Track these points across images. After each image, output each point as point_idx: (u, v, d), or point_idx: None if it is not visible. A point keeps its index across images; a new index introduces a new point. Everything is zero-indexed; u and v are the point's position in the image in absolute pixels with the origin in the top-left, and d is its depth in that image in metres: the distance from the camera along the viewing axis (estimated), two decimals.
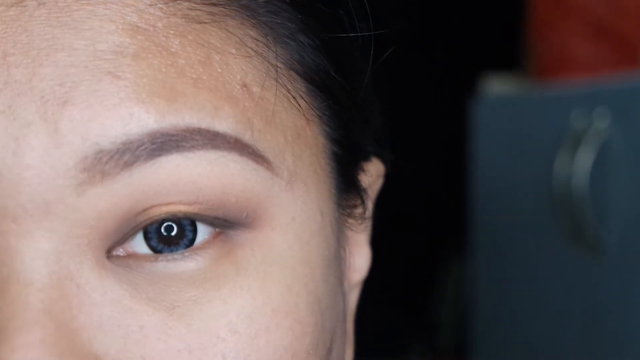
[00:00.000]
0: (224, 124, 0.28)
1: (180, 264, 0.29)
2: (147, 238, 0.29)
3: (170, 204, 0.28)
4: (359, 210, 0.36)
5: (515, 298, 1.47)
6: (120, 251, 0.29)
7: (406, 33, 2.43)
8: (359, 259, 0.37)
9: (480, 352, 1.59)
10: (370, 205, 0.37)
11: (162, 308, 0.28)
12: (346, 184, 0.35)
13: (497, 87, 1.64)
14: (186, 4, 0.29)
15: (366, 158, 0.37)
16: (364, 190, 0.37)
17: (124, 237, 0.29)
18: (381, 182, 0.39)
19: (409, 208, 2.48)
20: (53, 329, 0.26)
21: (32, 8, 0.27)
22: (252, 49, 0.30)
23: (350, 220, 0.36)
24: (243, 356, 0.29)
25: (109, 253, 0.28)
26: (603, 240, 1.22)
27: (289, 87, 0.31)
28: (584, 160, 1.23)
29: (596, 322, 1.25)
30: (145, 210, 0.28)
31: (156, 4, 0.28)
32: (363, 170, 0.37)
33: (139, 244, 0.29)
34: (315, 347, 0.30)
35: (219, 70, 0.29)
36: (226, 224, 0.29)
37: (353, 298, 0.38)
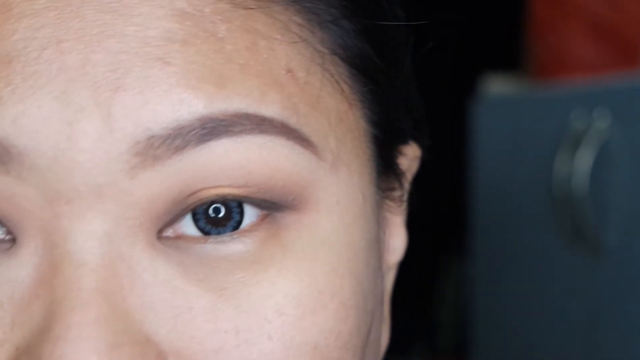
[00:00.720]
0: (270, 109, 0.29)
1: (229, 246, 0.29)
2: (195, 220, 0.29)
3: (219, 187, 0.29)
4: (397, 193, 0.37)
5: (515, 298, 1.47)
6: (169, 232, 0.29)
7: (406, 33, 2.40)
8: (396, 241, 0.38)
9: (480, 352, 1.59)
10: (407, 187, 0.38)
11: (211, 289, 0.29)
12: (385, 167, 0.35)
13: (497, 87, 1.64)
14: None
15: (405, 141, 0.37)
16: (402, 173, 0.37)
17: (174, 219, 0.29)
18: (417, 164, 0.39)
19: (409, 208, 2.48)
20: (106, 309, 0.27)
21: None
22: (296, 34, 0.30)
23: (389, 203, 0.36)
24: (289, 337, 0.29)
25: (159, 234, 0.29)
26: (603, 240, 1.22)
27: (333, 72, 0.31)
28: (583, 160, 1.23)
29: (596, 321, 1.25)
30: (194, 193, 0.28)
31: None
32: (401, 153, 0.37)
33: (187, 226, 0.29)
34: (358, 328, 0.31)
35: (265, 56, 0.29)
36: (273, 206, 0.30)
37: (390, 280, 0.39)
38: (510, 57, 1.86)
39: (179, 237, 0.29)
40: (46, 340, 0.27)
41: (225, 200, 0.29)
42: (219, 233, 0.29)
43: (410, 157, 0.38)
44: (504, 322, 1.51)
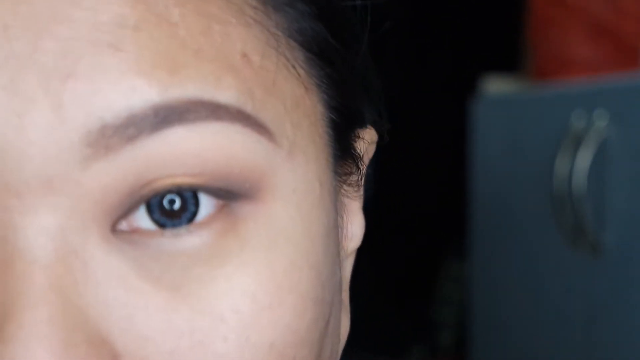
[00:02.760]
0: (226, 95, 0.28)
1: (185, 240, 0.28)
2: (150, 212, 0.29)
3: (174, 176, 0.28)
4: (354, 178, 0.36)
5: (515, 298, 1.47)
6: (124, 225, 0.28)
7: (407, 33, 2.42)
8: (354, 227, 0.37)
9: (480, 351, 1.60)
10: (364, 171, 0.37)
11: (166, 288, 0.28)
12: (342, 151, 0.35)
13: (497, 87, 1.64)
14: None
15: (362, 125, 0.37)
16: (360, 158, 0.36)
17: (128, 211, 0.28)
18: (374, 148, 0.38)
19: (409, 208, 2.48)
20: (60, 306, 0.26)
21: None
22: (251, 17, 0.30)
23: (346, 188, 0.35)
24: (244, 337, 0.28)
25: (113, 228, 0.28)
26: (602, 240, 1.22)
27: (288, 56, 0.31)
28: (583, 160, 1.23)
29: (595, 321, 1.25)
30: (148, 183, 0.28)
31: None
32: (359, 137, 0.36)
33: (142, 218, 0.29)
34: (315, 321, 0.30)
35: (220, 40, 0.28)
36: (229, 195, 0.29)
37: (348, 267, 0.37)
38: (510, 57, 1.86)
39: (134, 231, 0.28)
40: None
41: (180, 190, 0.28)
42: (174, 226, 0.28)
43: (367, 141, 0.37)
44: (503, 321, 1.51)
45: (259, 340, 0.29)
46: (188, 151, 0.27)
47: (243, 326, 0.28)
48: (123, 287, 0.27)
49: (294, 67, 0.31)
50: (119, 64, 0.27)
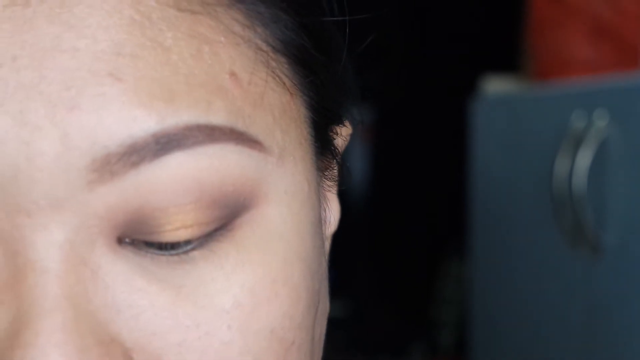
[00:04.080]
0: (218, 117, 0.30)
1: (185, 248, 0.31)
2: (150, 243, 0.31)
3: (178, 206, 0.30)
4: (333, 172, 0.38)
5: (515, 298, 1.47)
6: (127, 241, 0.30)
7: (407, 33, 2.42)
8: (331, 214, 0.40)
9: (480, 351, 1.60)
10: (341, 164, 0.40)
11: (170, 287, 0.30)
12: (322, 148, 0.37)
13: (497, 87, 1.64)
14: None
15: (340, 122, 0.39)
16: (338, 153, 0.39)
17: (132, 232, 0.30)
18: (348, 141, 0.41)
19: (409, 208, 2.48)
20: (72, 313, 0.28)
21: (36, 2, 0.28)
22: (239, 34, 0.32)
23: (326, 182, 0.38)
24: (247, 326, 0.31)
25: (119, 240, 0.30)
26: (602, 240, 1.22)
27: (275, 67, 0.33)
28: (583, 160, 1.23)
29: (595, 321, 1.25)
30: (153, 211, 0.30)
31: None
32: (336, 133, 0.39)
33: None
34: (308, 308, 0.33)
35: (209, 61, 0.30)
36: (228, 218, 0.31)
37: (326, 249, 0.40)
38: (510, 57, 1.86)
39: (138, 244, 0.30)
40: (15, 347, 0.27)
41: (184, 226, 0.30)
42: (173, 248, 0.30)
43: (344, 137, 0.40)
44: (503, 321, 1.51)
45: (260, 328, 0.31)
46: (187, 175, 0.29)
47: (245, 316, 0.31)
48: (129, 289, 0.30)
49: (279, 77, 0.33)
50: (120, 95, 0.28)
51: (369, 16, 0.38)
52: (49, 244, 0.28)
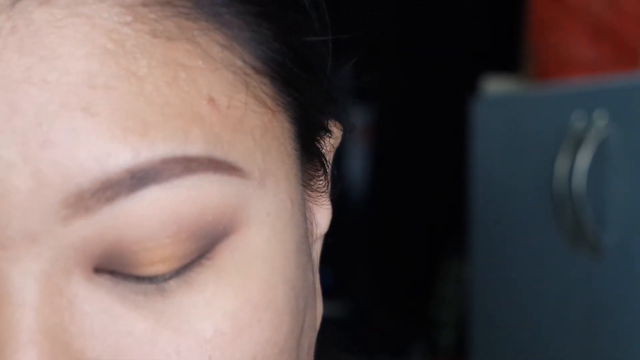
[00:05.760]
0: (195, 147, 0.29)
1: (164, 276, 0.30)
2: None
3: (155, 240, 0.29)
4: (321, 182, 0.37)
5: (515, 298, 1.47)
6: (105, 271, 0.30)
7: (406, 33, 2.42)
8: (321, 217, 0.38)
9: (480, 351, 1.60)
10: (329, 173, 0.38)
11: (149, 315, 0.29)
12: (309, 159, 0.36)
13: (497, 87, 1.64)
14: (153, 15, 0.29)
15: (327, 131, 0.37)
16: (326, 162, 0.37)
17: (110, 263, 0.29)
18: (339, 140, 0.39)
19: (409, 208, 2.48)
20: (48, 345, 0.28)
21: (6, 32, 0.28)
22: (218, 57, 0.30)
23: (312, 193, 0.36)
24: (229, 354, 0.30)
25: (96, 270, 0.29)
26: (602, 240, 1.22)
27: (255, 87, 0.31)
28: (583, 160, 1.23)
29: (595, 321, 1.25)
30: (130, 245, 0.29)
31: (124, 22, 0.29)
32: (323, 141, 0.37)
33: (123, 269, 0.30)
34: (292, 331, 0.32)
35: (186, 89, 0.29)
36: (207, 248, 0.30)
37: (317, 250, 0.39)
38: (510, 57, 1.86)
39: (116, 274, 0.30)
40: None
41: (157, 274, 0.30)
42: (150, 280, 0.30)
43: (331, 144, 0.38)
44: (503, 321, 1.51)
45: (242, 356, 0.30)
46: (164, 209, 0.28)
47: (226, 345, 0.30)
48: (108, 316, 0.29)
49: (260, 96, 0.32)
50: (93, 129, 0.28)
51: (352, 36, 0.37)
52: (25, 276, 0.28)
